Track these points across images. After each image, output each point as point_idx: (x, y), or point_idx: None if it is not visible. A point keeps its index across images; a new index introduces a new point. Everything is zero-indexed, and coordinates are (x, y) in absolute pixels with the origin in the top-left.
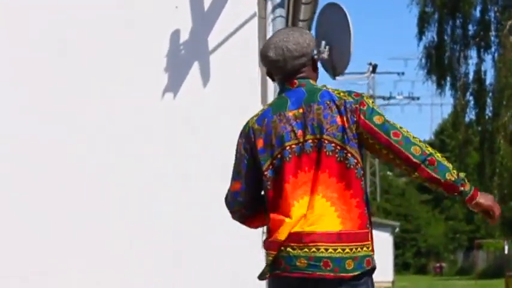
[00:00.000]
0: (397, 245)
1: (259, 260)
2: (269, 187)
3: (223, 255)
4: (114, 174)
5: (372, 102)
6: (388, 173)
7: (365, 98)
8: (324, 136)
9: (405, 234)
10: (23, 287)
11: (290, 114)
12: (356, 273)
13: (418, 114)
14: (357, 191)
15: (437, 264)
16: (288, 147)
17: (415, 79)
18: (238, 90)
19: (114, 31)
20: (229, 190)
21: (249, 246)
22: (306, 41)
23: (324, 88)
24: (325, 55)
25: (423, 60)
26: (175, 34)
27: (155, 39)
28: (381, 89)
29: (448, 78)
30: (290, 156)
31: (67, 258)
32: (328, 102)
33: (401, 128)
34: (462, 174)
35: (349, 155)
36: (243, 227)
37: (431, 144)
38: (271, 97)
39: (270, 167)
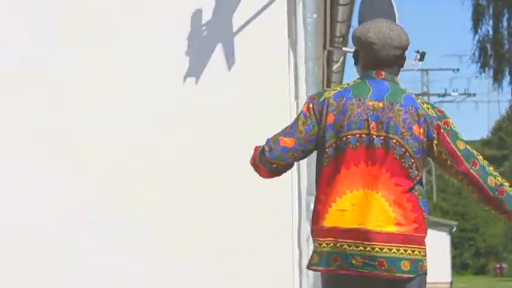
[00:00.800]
0: (455, 245)
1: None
2: (326, 164)
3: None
4: (132, 163)
5: (453, 123)
6: None
7: (448, 118)
8: (397, 138)
9: (463, 234)
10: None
11: (370, 103)
12: (411, 276)
13: (475, 111)
14: (412, 196)
15: (497, 265)
16: (357, 135)
17: (470, 76)
18: (265, 74)
19: (133, 11)
20: (275, 142)
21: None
22: (406, 37)
23: (407, 92)
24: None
25: (476, 54)
26: (197, 14)
27: (175, 20)
28: (435, 86)
29: (506, 72)
30: (357, 144)
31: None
32: (410, 108)
33: (477, 154)
34: None
35: (414, 165)
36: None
37: (489, 141)
38: (302, 81)
39: (334, 145)
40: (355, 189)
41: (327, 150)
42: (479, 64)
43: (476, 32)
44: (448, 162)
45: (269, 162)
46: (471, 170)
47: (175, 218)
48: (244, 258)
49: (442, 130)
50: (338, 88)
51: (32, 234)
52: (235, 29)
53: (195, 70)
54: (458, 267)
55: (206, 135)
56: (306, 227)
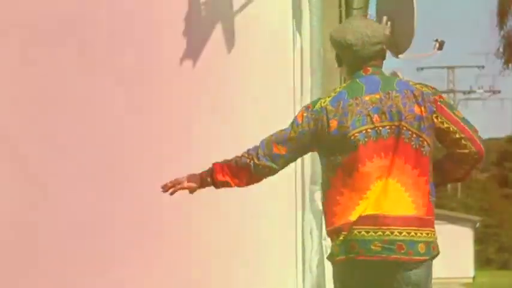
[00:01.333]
0: (479, 240)
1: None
2: (339, 165)
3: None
4: (129, 151)
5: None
6: None
7: (440, 93)
8: (403, 123)
9: (487, 229)
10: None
11: (366, 98)
12: (427, 258)
13: (500, 109)
14: (429, 177)
15: None
16: (363, 131)
17: (495, 73)
18: (267, 56)
19: None
20: (268, 147)
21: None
22: (382, 31)
23: (398, 78)
24: (386, 31)
25: (501, 50)
26: None
27: None
28: (461, 84)
29: None
30: (366, 139)
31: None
32: (406, 92)
33: None
34: None
35: (425, 142)
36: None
37: None
38: (307, 64)
39: (343, 146)
40: (375, 181)
41: (337, 152)
42: (503, 60)
43: (501, 28)
44: (451, 129)
45: (263, 165)
46: (475, 137)
47: (174, 212)
48: (246, 251)
49: (439, 103)
50: (332, 94)
51: (27, 232)
52: (235, 8)
53: (194, 51)
54: (483, 262)
55: (205, 121)
56: (310, 219)
